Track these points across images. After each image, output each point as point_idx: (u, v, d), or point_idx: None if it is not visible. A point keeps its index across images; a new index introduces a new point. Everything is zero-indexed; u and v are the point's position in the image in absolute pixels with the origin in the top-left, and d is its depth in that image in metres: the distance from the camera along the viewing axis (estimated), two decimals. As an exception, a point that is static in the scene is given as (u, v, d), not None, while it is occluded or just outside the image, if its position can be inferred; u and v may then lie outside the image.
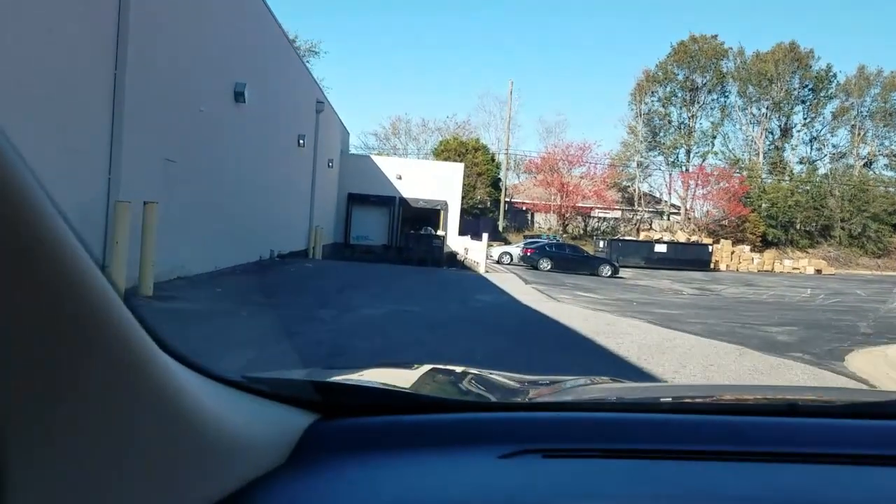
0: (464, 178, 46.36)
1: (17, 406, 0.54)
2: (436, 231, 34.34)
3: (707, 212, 51.05)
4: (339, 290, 14.33)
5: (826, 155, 56.27)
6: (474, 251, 29.87)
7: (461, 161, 45.29)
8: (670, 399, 1.51)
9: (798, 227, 52.20)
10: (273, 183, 19.69)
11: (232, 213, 15.49)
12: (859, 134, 54.68)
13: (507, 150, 50.10)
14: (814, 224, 52.43)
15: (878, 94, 53.56)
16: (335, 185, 33.97)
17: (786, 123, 55.93)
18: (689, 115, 55.50)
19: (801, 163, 56.27)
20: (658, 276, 34.44)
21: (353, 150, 42.03)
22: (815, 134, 56.39)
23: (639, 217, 54.20)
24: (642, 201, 55.20)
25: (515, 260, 31.52)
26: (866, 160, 54.95)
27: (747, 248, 47.06)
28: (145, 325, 0.71)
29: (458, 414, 1.16)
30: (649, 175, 59.09)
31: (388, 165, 37.06)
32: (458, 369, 1.75)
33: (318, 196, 26.71)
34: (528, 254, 30.37)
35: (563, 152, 48.84)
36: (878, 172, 54.91)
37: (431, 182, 36.88)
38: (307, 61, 51.68)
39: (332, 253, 31.47)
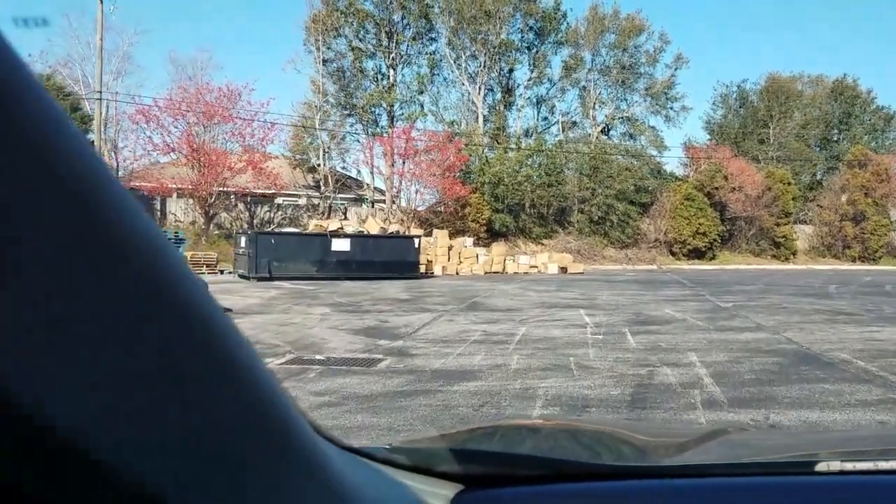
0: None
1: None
2: None
3: (417, 193, 36.77)
4: None
5: (556, 122, 45.12)
6: None
7: None
8: (833, 457, 1.19)
9: (529, 211, 40.04)
10: None
11: None
12: (593, 94, 44.07)
13: (100, 90, 31.15)
14: (548, 207, 40.64)
15: (614, 42, 43.15)
16: None
17: (508, 81, 43.74)
18: (389, 64, 41.02)
19: (528, 134, 44.48)
20: (316, 297, 18.60)
21: None
22: (542, 95, 44.96)
23: (328, 204, 38.53)
24: (330, 181, 39.65)
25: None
26: (603, 126, 44.55)
27: (470, 240, 33.43)
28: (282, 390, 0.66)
29: (605, 482, 1.10)
30: (346, 151, 43.94)
31: None
32: (591, 426, 1.78)
33: None
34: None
35: (196, 98, 31.02)
36: (617, 141, 44.80)
37: None
38: None
39: None
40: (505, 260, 32.45)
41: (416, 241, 27.19)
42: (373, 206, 41.03)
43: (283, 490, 0.60)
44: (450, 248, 31.71)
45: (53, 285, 0.38)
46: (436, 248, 31.18)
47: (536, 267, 32.83)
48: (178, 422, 0.46)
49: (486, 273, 31.10)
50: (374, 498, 0.82)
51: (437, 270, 30.43)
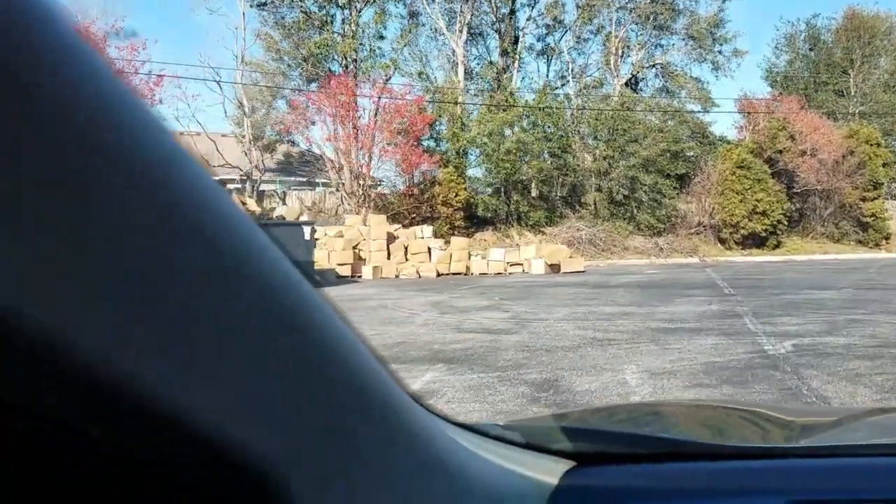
0: None
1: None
2: None
3: (362, 169, 27.75)
4: None
5: (569, 81, 35.20)
6: None
7: None
8: None
9: (530, 190, 30.52)
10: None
11: None
12: (617, 39, 33.98)
13: None
14: (556, 184, 31.01)
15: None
16: None
17: (509, 25, 34.06)
18: (343, 4, 31.87)
19: (539, 99, 34.67)
20: None
21: None
22: (551, 43, 35.15)
23: (255, 186, 29.91)
24: (256, 156, 30.96)
25: None
26: (630, 77, 34.40)
27: (428, 230, 24.15)
28: (387, 366, 0.66)
29: (725, 462, 1.05)
30: (312, 124, 35.00)
31: None
32: (711, 405, 1.75)
33: None
34: None
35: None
36: (648, 95, 34.61)
37: None
38: None
39: None
40: (470, 256, 23.03)
41: (307, 229, 18.06)
42: (337, 190, 32.15)
43: (393, 464, 0.60)
44: (390, 240, 22.52)
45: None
46: (369, 240, 22.05)
47: (520, 265, 23.31)
48: (275, 394, 0.45)
49: (439, 275, 21.80)
50: (485, 472, 0.82)
51: (366, 272, 21.30)
